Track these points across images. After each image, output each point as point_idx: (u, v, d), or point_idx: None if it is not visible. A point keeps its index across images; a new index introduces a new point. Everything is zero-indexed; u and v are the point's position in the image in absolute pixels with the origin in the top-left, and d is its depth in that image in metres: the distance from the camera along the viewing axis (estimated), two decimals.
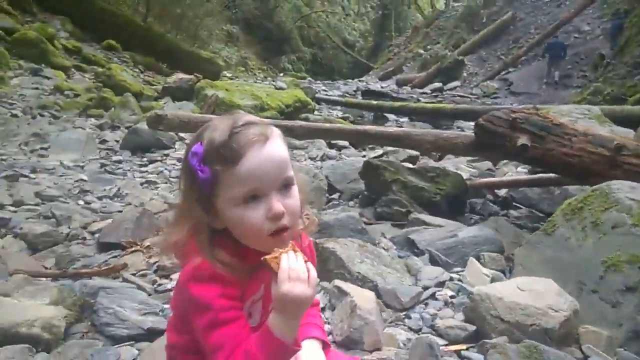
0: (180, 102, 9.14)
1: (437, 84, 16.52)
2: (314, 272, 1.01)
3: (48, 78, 9.81)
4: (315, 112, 10.04)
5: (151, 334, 2.04)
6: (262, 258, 1.00)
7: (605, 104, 7.86)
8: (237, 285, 1.07)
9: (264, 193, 1.02)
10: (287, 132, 4.27)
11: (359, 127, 4.78)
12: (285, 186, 1.05)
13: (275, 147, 1.04)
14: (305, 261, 1.01)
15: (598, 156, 3.20)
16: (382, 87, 17.18)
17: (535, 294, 2.06)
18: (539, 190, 4.22)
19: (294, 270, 0.98)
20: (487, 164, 5.57)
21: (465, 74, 17.73)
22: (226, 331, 1.04)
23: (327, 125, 4.74)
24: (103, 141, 6.48)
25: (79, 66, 11.45)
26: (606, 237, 2.48)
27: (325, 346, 1.23)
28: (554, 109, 5.31)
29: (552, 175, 3.85)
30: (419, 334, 2.11)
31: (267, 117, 5.41)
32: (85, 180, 4.81)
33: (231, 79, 15.74)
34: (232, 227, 1.06)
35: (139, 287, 2.46)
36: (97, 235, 3.36)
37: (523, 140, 3.36)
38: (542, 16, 19.58)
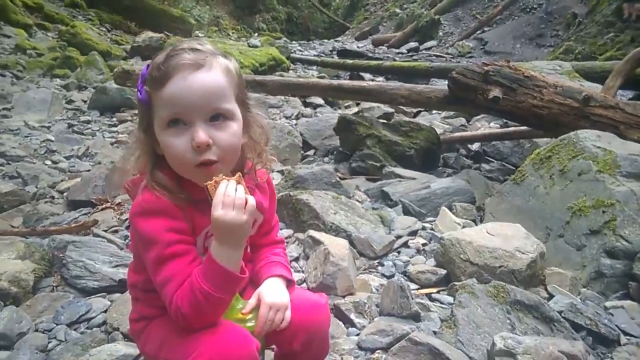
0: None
1: (413, 44, 16.32)
2: (252, 200, 0.99)
3: (8, 37, 9.28)
4: (290, 72, 9.85)
5: (122, 285, 2.02)
6: (204, 184, 0.98)
7: (576, 62, 7.93)
8: (184, 218, 1.05)
9: (188, 120, 0.99)
10: (260, 87, 4.17)
11: (333, 81, 4.73)
12: (215, 117, 1.01)
13: (207, 76, 1.00)
14: (247, 192, 1.00)
15: (567, 107, 3.23)
16: (358, 47, 16.88)
17: (504, 238, 2.11)
18: (510, 144, 4.28)
19: (229, 197, 0.96)
20: (461, 120, 5.60)
21: (441, 34, 17.53)
22: (175, 265, 1.03)
23: (301, 79, 4.66)
24: (70, 101, 6.23)
25: (41, 24, 10.84)
26: (572, 184, 2.54)
27: (289, 284, 1.23)
28: (526, 65, 5.32)
29: (523, 128, 3.90)
30: (391, 280, 2.16)
31: None
32: (52, 141, 4.65)
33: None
34: (164, 153, 1.05)
35: (110, 241, 2.42)
36: (65, 193, 3.29)
37: (495, 92, 3.37)
38: None
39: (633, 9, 10.22)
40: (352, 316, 1.77)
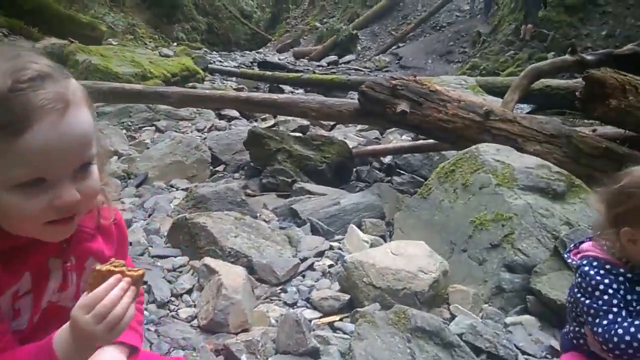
0: None
1: (333, 57, 16.58)
2: (125, 321, 0.79)
3: None
4: (206, 83, 9.50)
5: None
6: (96, 267, 0.80)
7: (480, 77, 8.42)
8: None
9: (53, 177, 0.76)
10: (162, 99, 3.86)
11: (242, 93, 4.54)
12: (82, 167, 0.80)
13: (76, 119, 0.76)
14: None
15: (469, 121, 3.30)
16: (279, 59, 16.86)
17: (407, 258, 2.05)
18: (420, 157, 4.34)
19: (104, 308, 0.76)
20: (375, 133, 5.64)
21: (359, 48, 18.02)
22: None
23: (207, 91, 4.43)
24: None
25: None
26: (474, 198, 2.55)
27: (133, 351, 1.00)
28: (434, 79, 5.48)
29: (432, 141, 3.96)
30: (294, 309, 2.01)
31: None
32: None
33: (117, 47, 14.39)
34: None
35: None
36: None
37: (402, 106, 3.37)
38: None
39: (526, 30, 11.11)
40: (243, 357, 1.60)
